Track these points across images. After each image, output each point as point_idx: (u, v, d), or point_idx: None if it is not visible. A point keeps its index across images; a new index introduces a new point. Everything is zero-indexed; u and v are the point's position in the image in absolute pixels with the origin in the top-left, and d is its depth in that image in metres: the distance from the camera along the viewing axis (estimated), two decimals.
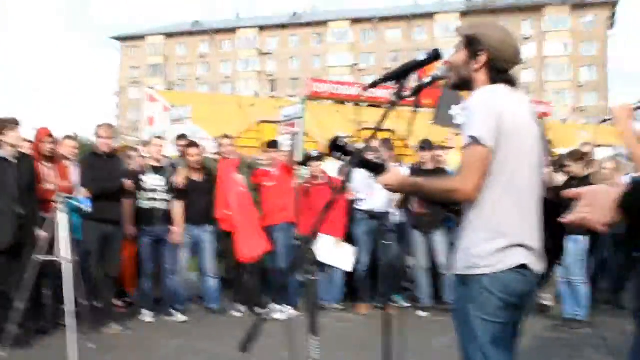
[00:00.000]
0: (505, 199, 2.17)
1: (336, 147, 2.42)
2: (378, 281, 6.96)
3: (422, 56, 2.32)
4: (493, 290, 2.17)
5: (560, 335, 5.92)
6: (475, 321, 2.20)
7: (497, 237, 2.17)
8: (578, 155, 6.49)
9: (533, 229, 2.22)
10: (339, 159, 2.45)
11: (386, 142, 7.19)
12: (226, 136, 7.27)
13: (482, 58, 2.32)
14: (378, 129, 2.28)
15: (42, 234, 5.16)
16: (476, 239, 2.21)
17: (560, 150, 11.13)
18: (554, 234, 2.30)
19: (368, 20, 58.87)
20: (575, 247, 6.08)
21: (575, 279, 6.16)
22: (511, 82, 2.35)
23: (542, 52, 55.12)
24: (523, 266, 2.18)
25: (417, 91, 2.64)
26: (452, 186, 2.20)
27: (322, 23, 60.35)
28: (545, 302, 6.89)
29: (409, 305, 7.12)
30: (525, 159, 2.22)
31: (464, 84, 2.41)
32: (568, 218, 1.61)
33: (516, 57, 2.37)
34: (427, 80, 2.74)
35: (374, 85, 2.46)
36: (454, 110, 8.58)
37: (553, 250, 2.32)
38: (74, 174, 6.28)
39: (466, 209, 2.27)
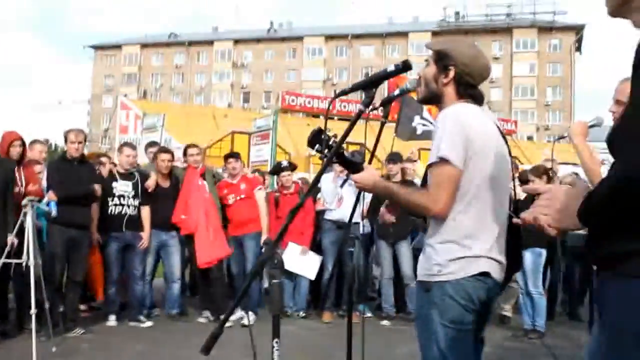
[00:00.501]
0: (471, 211, 2.21)
1: (317, 140, 2.36)
2: (343, 290, 7.01)
3: (392, 67, 2.31)
4: (455, 297, 2.19)
5: (518, 345, 6.02)
6: (437, 327, 2.21)
7: (461, 246, 2.21)
8: (541, 171, 6.63)
9: (496, 240, 2.25)
10: (318, 151, 2.38)
11: (396, 155, 7.18)
12: (193, 145, 7.26)
13: (451, 73, 2.34)
14: (344, 138, 2.23)
15: (14, 240, 5.11)
16: (441, 247, 2.24)
17: (525, 166, 11.36)
18: (513, 246, 2.34)
19: (342, 37, 59.31)
20: (534, 259, 6.21)
21: (534, 290, 6.28)
22: (478, 98, 2.39)
23: (511, 72, 56.15)
24: (485, 274, 2.22)
25: (387, 103, 2.69)
26: (423, 203, 2.23)
27: (298, 38, 60.61)
28: (505, 313, 7.01)
29: (370, 315, 7.16)
30: (491, 174, 2.25)
31: (433, 98, 2.44)
32: (522, 216, 1.62)
33: (485, 73, 2.41)
34: (396, 92, 2.79)
35: (343, 93, 2.46)
36: (416, 121, 8.64)
37: (511, 261, 2.37)
38: (44, 177, 6.24)
39: (433, 220, 2.30)
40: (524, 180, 6.82)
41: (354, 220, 6.88)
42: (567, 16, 55.87)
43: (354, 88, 2.38)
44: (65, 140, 6.01)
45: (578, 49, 56.86)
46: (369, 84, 2.30)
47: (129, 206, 6.41)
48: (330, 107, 20.16)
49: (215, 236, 6.62)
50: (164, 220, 6.64)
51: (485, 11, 57.10)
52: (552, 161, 7.72)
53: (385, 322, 6.83)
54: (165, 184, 6.79)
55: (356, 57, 58.65)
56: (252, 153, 16.72)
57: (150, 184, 6.59)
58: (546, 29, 55.62)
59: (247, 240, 6.81)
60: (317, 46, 59.65)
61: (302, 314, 7.06)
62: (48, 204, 5.63)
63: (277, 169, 7.65)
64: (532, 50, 55.83)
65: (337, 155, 2.32)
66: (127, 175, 6.51)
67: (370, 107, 2.30)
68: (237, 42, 61.99)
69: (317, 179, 2.30)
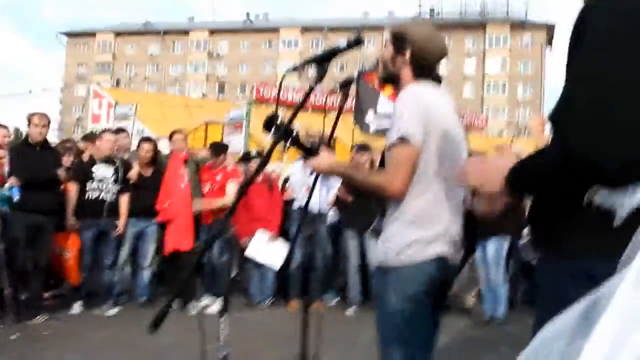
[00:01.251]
0: (428, 194, 2.20)
1: (271, 125, 2.31)
2: (310, 279, 7.01)
3: (343, 43, 2.26)
4: (413, 279, 2.19)
5: (479, 333, 6.10)
6: (395, 308, 2.20)
7: (418, 229, 2.20)
8: None
9: (453, 222, 2.26)
10: (273, 135, 2.31)
11: (365, 147, 7.18)
12: (178, 131, 7.22)
13: (407, 53, 2.34)
14: (294, 117, 2.20)
15: None
16: (398, 230, 2.23)
17: None
18: (468, 228, 2.35)
19: (318, 29, 59.20)
20: (495, 249, 6.28)
21: (495, 279, 6.36)
22: (436, 78, 2.39)
23: (483, 68, 56.69)
24: (442, 256, 2.21)
25: (346, 85, 2.66)
26: (380, 183, 2.21)
27: (274, 30, 60.37)
28: (467, 302, 7.09)
29: (334, 303, 7.20)
30: (448, 155, 2.24)
31: (391, 79, 2.44)
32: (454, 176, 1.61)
33: (441, 53, 2.41)
34: (355, 74, 2.76)
35: (295, 69, 2.43)
36: (369, 117, 8.64)
37: (467, 243, 2.38)
38: (6, 163, 6.11)
39: (390, 202, 2.29)
40: None
41: (321, 211, 6.97)
42: (539, 14, 56.63)
43: (306, 62, 2.34)
44: (29, 124, 5.90)
45: (550, 45, 57.59)
46: (321, 59, 2.27)
47: (107, 192, 6.33)
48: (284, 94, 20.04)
49: (184, 227, 6.59)
50: (145, 208, 6.57)
51: (459, 9, 57.55)
52: (515, 152, 7.80)
53: (350, 310, 6.86)
54: (147, 172, 6.74)
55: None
56: (226, 143, 16.67)
57: (133, 175, 6.56)
58: (518, 26, 56.18)
59: (214, 229, 6.76)
60: (293, 38, 59.51)
61: (268, 302, 7.05)
62: (10, 190, 5.52)
63: (245, 158, 7.63)
64: (504, 46, 56.42)
65: (293, 140, 2.29)
66: (107, 161, 6.43)
67: (321, 78, 2.24)
68: (213, 32, 61.49)
69: (267, 158, 2.26)
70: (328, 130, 2.60)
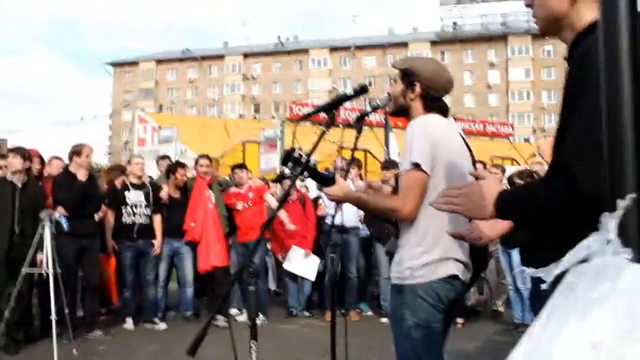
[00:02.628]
0: (438, 217, 2.24)
1: (290, 158, 2.38)
2: (345, 290, 7.08)
3: (350, 91, 2.38)
4: (426, 298, 2.26)
5: (508, 338, 6.06)
6: (409, 325, 2.28)
7: (430, 251, 2.27)
8: (526, 174, 6.68)
9: (462, 244, 2.32)
10: (291, 169, 2.39)
11: (355, 161, 7.33)
12: (204, 157, 7.38)
13: (417, 88, 2.41)
14: (311, 154, 2.31)
15: (38, 255, 5.22)
16: (412, 252, 2.30)
17: (522, 166, 11.34)
18: (478, 248, 2.39)
19: (346, 48, 59.43)
20: (520, 257, 6.25)
21: (522, 286, 6.33)
22: (444, 109, 2.46)
23: (507, 77, 56.01)
24: (453, 276, 2.29)
25: (361, 119, 2.78)
26: (393, 206, 2.30)
27: (304, 51, 60.77)
28: (497, 308, 7.06)
29: (371, 313, 7.26)
30: (456, 181, 2.28)
31: (402, 112, 2.51)
32: (436, 201, 1.64)
33: (447, 85, 2.47)
34: (368, 109, 2.87)
35: (306, 116, 2.55)
36: None
37: (477, 261, 2.45)
38: None
39: (403, 226, 2.37)
40: (513, 182, 6.87)
41: (353, 225, 7.05)
42: None
43: (317, 110, 2.48)
44: (79, 155, 5.91)
45: None
46: (330, 107, 2.40)
47: (141, 215, 6.51)
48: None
49: (215, 246, 6.73)
50: (176, 228, 6.75)
51: (481, 20, 56.97)
52: (539, 164, 7.77)
53: (384, 320, 6.89)
54: (176, 194, 6.92)
55: (359, 67, 58.71)
56: (262, 161, 16.84)
57: (164, 195, 6.72)
58: (539, 35, 55.31)
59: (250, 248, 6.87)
60: (322, 58, 59.77)
61: (306, 313, 7.15)
62: (61, 219, 5.71)
63: (280, 178, 7.75)
64: (527, 55, 55.67)
65: (310, 171, 2.37)
66: (139, 186, 6.62)
67: (330, 125, 2.36)
68: (246, 55, 62.22)
69: (287, 193, 2.38)
70: (360, 144, 2.68)
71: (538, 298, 1.54)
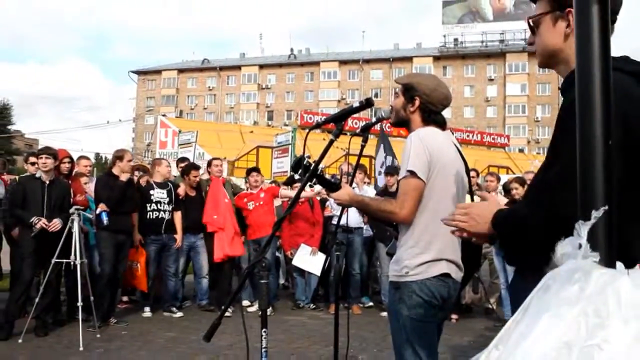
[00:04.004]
0: (433, 221, 2.28)
1: (300, 166, 2.44)
2: (348, 286, 7.12)
3: (356, 104, 2.42)
4: (420, 294, 2.30)
5: None
6: (405, 319, 2.32)
7: (425, 252, 2.31)
8: (522, 181, 6.71)
9: (454, 245, 2.37)
10: (300, 176, 2.46)
11: (360, 167, 7.36)
12: (216, 158, 7.46)
13: (416, 102, 2.45)
14: (319, 162, 2.36)
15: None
16: (408, 253, 2.34)
17: (517, 175, 11.32)
18: (471, 250, 2.45)
19: (354, 62, 59.49)
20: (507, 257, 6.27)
21: None
22: (441, 122, 2.49)
23: (504, 92, 55.85)
24: (446, 275, 2.33)
25: (366, 129, 2.82)
26: (391, 209, 2.33)
27: (315, 63, 60.89)
28: (490, 306, 7.07)
29: (371, 304, 7.31)
30: (449, 188, 2.36)
31: (403, 123, 2.55)
32: (446, 219, 1.70)
33: (445, 101, 2.49)
34: (373, 120, 2.92)
35: (317, 126, 2.59)
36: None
37: (470, 262, 2.48)
38: (90, 188, 6.44)
39: (401, 228, 2.41)
40: (507, 190, 6.89)
41: (357, 225, 7.09)
42: None
43: (327, 121, 2.53)
44: (121, 159, 6.12)
45: None
46: (338, 118, 2.44)
47: (164, 211, 6.59)
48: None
49: (232, 236, 6.80)
50: (193, 224, 6.83)
51: (481, 38, 56.85)
52: (532, 173, 7.79)
53: (384, 313, 6.92)
54: (193, 193, 7.00)
55: (367, 79, 58.76)
56: (274, 165, 16.93)
57: (181, 192, 6.81)
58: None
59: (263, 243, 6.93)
60: (332, 70, 59.85)
61: (312, 306, 7.19)
62: (100, 214, 5.82)
63: (290, 181, 7.80)
64: (523, 72, 55.50)
65: (317, 177, 2.42)
66: (162, 185, 6.70)
67: (339, 134, 2.39)
68: (261, 67, 62.43)
69: (297, 197, 2.43)
70: (365, 151, 2.72)
71: (514, 290, 1.62)
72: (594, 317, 0.87)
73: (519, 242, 1.51)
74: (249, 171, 7.47)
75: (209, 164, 7.36)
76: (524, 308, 0.99)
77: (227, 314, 6.85)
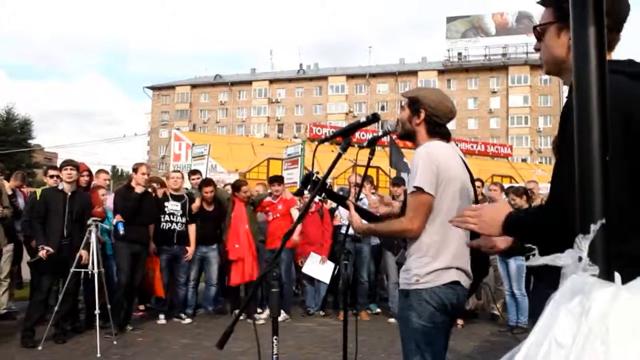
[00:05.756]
0: (440, 230, 2.31)
1: (309, 181, 2.46)
2: (356, 293, 7.10)
3: (363, 118, 2.44)
4: (430, 301, 2.30)
5: (503, 339, 6.03)
6: (414, 326, 2.31)
7: (435, 261, 2.32)
8: (521, 191, 6.68)
9: (462, 254, 2.37)
10: (309, 190, 2.45)
11: (367, 178, 7.35)
12: (245, 183, 7.34)
13: (422, 115, 2.46)
14: (327, 176, 2.38)
15: (83, 253, 5.31)
16: (418, 261, 2.34)
17: (520, 184, 11.27)
18: (479, 258, 2.44)
19: (361, 76, 59.63)
20: (517, 266, 6.24)
21: (517, 292, 6.30)
22: (445, 135, 2.49)
23: (507, 103, 55.69)
24: (456, 282, 2.33)
25: (373, 142, 2.83)
26: (403, 228, 2.34)
27: (323, 78, 61.07)
28: (494, 312, 7.02)
29: (379, 311, 7.28)
30: (456, 200, 2.36)
31: (409, 136, 2.55)
32: (454, 219, 1.70)
33: (449, 114, 2.50)
34: (380, 133, 2.93)
35: (325, 140, 2.61)
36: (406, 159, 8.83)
37: (478, 269, 2.48)
38: (109, 200, 6.48)
39: (411, 239, 2.40)
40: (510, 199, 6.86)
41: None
42: None
43: (335, 135, 2.54)
44: (136, 172, 6.17)
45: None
46: (346, 132, 2.46)
47: (177, 223, 6.61)
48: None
49: (249, 262, 6.81)
50: (206, 237, 6.90)
51: (484, 52, 56.81)
52: (534, 182, 7.79)
53: (391, 320, 6.89)
54: (209, 207, 7.01)
55: (373, 93, 58.84)
56: (284, 176, 16.92)
57: (194, 207, 6.82)
58: (537, 66, 55.04)
59: (282, 254, 6.90)
60: (339, 84, 60.02)
61: (321, 313, 7.17)
62: (117, 225, 5.87)
63: (300, 192, 7.78)
64: (525, 84, 55.36)
65: (326, 192, 2.44)
66: (177, 197, 6.73)
67: (347, 148, 2.40)
68: (272, 81, 62.73)
69: (306, 210, 2.44)
70: (372, 162, 2.73)
71: (536, 299, 1.62)
72: (597, 342, 0.87)
73: (532, 243, 1.52)
74: (271, 180, 7.41)
75: (239, 188, 7.13)
76: (540, 323, 0.99)
77: (241, 319, 6.82)
